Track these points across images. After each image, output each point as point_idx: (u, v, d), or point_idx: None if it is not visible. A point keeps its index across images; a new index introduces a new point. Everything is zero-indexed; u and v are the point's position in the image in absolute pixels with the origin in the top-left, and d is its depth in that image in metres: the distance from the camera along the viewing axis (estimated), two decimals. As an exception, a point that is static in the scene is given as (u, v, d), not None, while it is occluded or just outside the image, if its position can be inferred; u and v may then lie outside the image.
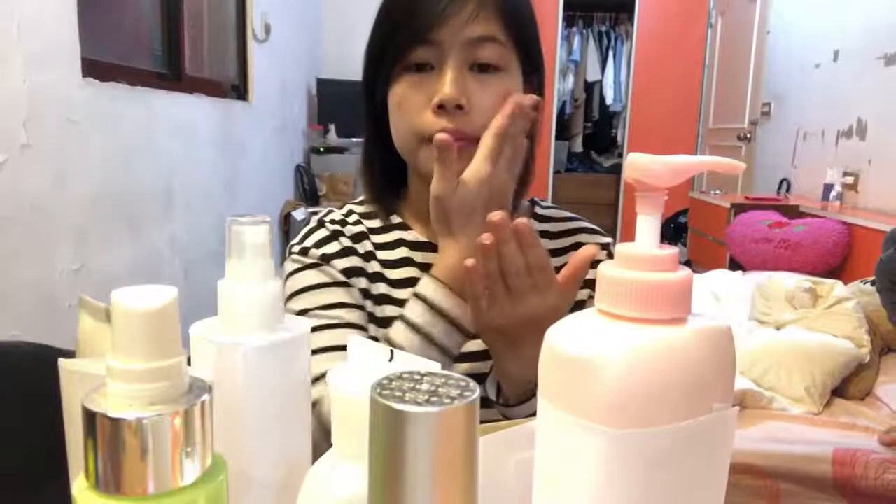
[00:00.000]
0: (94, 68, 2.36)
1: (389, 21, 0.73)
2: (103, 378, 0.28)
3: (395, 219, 0.83)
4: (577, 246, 0.81)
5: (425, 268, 0.73)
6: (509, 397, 0.69)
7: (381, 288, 0.79)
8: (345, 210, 0.85)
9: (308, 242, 0.80)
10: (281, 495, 0.41)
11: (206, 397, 0.29)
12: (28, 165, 2.05)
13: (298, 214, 4.04)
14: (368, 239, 0.81)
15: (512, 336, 0.65)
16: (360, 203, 0.86)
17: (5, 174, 1.96)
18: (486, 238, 0.60)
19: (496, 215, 0.60)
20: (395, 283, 0.79)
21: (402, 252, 0.81)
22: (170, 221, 2.91)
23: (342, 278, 0.77)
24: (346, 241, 0.80)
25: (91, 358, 0.42)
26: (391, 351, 0.36)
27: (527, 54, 0.74)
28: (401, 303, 0.73)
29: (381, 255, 0.81)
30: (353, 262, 0.79)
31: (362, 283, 0.79)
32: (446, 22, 0.69)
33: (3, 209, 1.96)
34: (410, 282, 0.77)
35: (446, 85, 0.69)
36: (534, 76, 0.77)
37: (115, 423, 0.26)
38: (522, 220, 0.61)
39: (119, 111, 2.53)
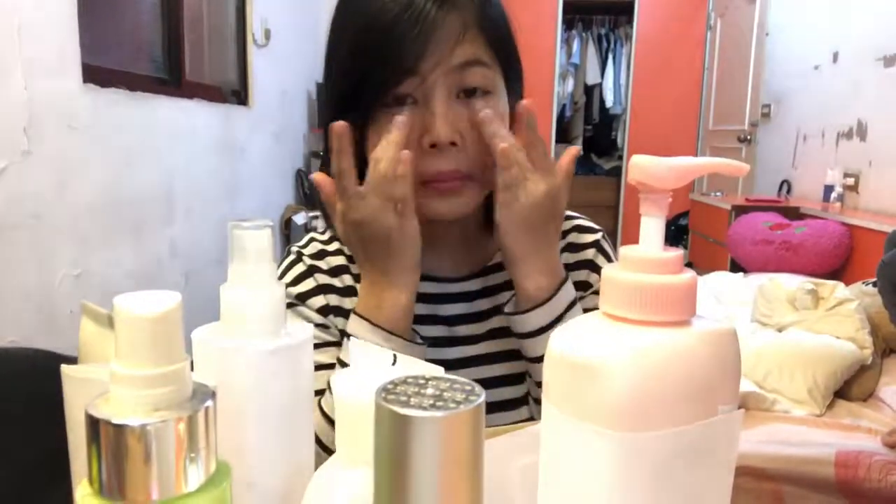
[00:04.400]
0: (95, 74, 2.37)
1: (360, 53, 0.65)
2: (106, 384, 0.28)
3: None
4: (569, 247, 0.79)
5: None
6: (521, 303, 0.69)
7: None
8: (326, 237, 0.79)
9: (284, 280, 0.76)
10: (285, 501, 0.41)
11: (209, 403, 0.29)
12: (29, 171, 2.05)
13: (299, 219, 4.04)
14: (349, 272, 0.76)
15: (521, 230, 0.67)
16: None
17: (6, 180, 1.96)
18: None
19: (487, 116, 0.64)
20: None
21: None
22: (170, 227, 2.91)
23: (317, 318, 0.74)
24: (322, 278, 0.76)
25: (93, 364, 0.42)
26: (394, 355, 0.36)
27: (510, 70, 0.70)
28: None
29: None
30: (329, 300, 0.75)
31: (340, 322, 0.75)
32: (430, 48, 0.62)
33: (5, 215, 1.96)
34: None
35: (437, 122, 0.63)
36: (517, 87, 0.72)
37: (119, 429, 0.26)
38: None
39: (119, 117, 2.53)
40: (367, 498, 0.25)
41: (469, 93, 0.66)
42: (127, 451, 0.26)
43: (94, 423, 0.27)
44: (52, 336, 2.11)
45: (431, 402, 0.24)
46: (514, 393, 0.75)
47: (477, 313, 0.77)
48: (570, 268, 0.78)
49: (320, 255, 0.77)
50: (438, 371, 0.31)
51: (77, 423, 0.40)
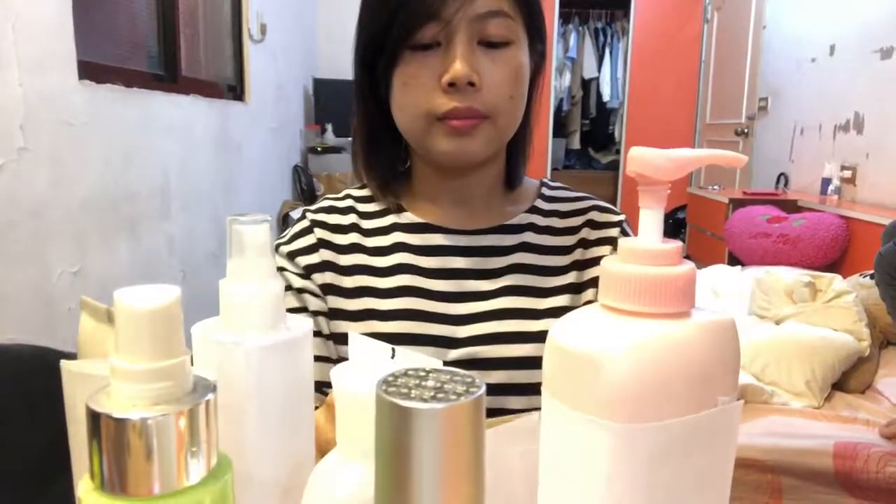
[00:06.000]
0: (91, 70, 2.36)
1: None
2: (106, 379, 0.28)
3: (393, 203, 0.81)
4: (590, 224, 0.80)
5: (421, 250, 0.76)
6: None
7: (359, 280, 0.77)
8: (341, 195, 0.83)
9: (284, 237, 0.80)
10: (286, 494, 0.41)
11: (210, 396, 0.29)
12: (25, 168, 2.04)
13: (296, 215, 4.04)
14: (357, 229, 0.79)
15: None
16: (361, 188, 0.83)
17: (3, 178, 1.96)
18: None
19: None
20: (381, 271, 0.77)
21: (395, 237, 0.79)
22: (168, 222, 2.91)
23: (298, 283, 0.77)
24: (321, 233, 0.79)
25: (93, 359, 0.42)
26: (392, 349, 0.36)
27: (532, 23, 0.73)
28: (383, 293, 0.75)
29: (372, 241, 0.79)
30: (322, 255, 0.78)
31: (329, 276, 0.77)
32: None
33: (2, 212, 1.96)
34: (400, 268, 0.76)
35: (457, 62, 0.67)
36: (538, 44, 0.75)
37: (120, 423, 0.26)
38: None
39: (116, 113, 2.52)
40: (369, 491, 0.25)
41: (491, 44, 0.69)
42: (128, 446, 0.26)
43: (94, 418, 0.27)
44: (51, 333, 2.11)
45: (432, 394, 0.24)
46: (527, 351, 0.74)
47: (489, 269, 0.77)
48: (590, 244, 0.80)
49: (329, 210, 0.81)
50: (438, 364, 0.31)
51: (77, 419, 0.41)
